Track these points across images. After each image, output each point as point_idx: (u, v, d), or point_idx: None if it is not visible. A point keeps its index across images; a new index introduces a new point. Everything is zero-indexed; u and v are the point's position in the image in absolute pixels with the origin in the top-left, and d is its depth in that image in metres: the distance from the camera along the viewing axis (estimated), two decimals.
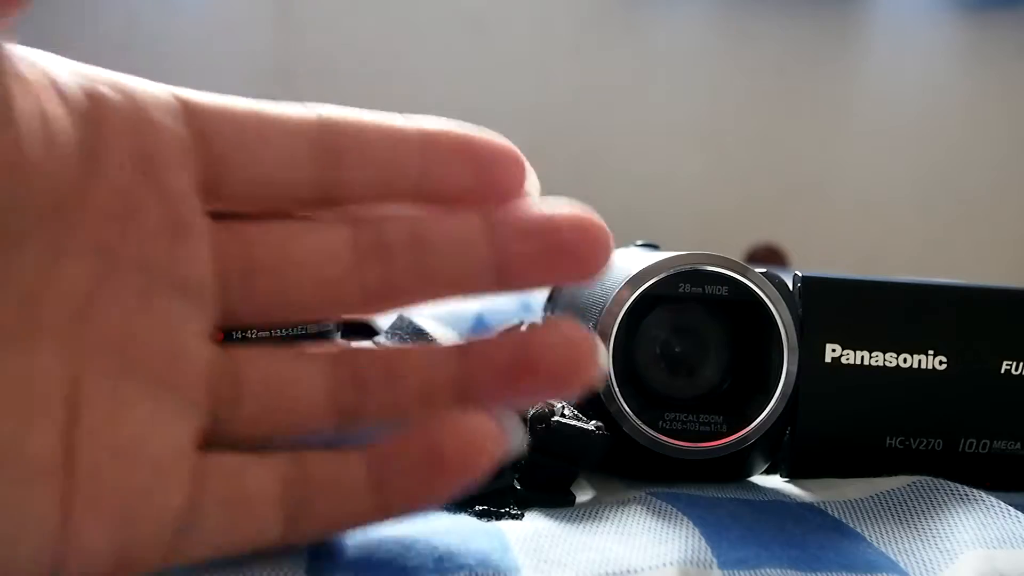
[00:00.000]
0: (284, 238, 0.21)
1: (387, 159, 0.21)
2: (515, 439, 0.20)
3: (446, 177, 0.22)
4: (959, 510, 0.25)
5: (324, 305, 0.22)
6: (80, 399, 0.19)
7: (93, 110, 0.19)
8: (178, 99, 0.20)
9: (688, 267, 0.27)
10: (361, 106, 0.22)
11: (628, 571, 0.21)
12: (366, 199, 0.22)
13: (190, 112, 0.20)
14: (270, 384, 0.21)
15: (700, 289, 0.27)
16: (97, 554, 0.18)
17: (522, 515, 0.24)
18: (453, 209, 0.22)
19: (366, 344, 0.24)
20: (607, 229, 0.21)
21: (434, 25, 1.26)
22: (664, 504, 0.25)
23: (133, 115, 0.20)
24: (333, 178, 0.21)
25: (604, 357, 0.21)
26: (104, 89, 0.19)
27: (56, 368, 0.18)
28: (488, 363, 0.21)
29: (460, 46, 1.27)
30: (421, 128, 0.22)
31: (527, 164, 0.22)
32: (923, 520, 0.25)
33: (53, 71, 0.19)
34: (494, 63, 1.28)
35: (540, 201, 0.22)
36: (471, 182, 0.22)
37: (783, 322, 0.27)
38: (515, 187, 0.22)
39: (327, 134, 0.21)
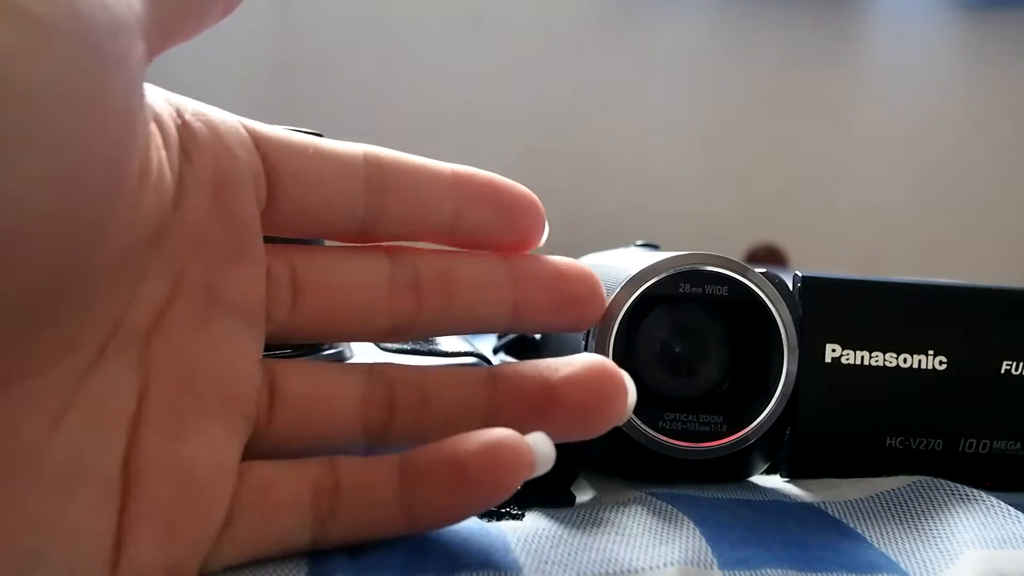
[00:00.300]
0: (328, 264, 0.22)
1: (425, 197, 0.23)
2: (544, 458, 0.20)
3: (475, 217, 0.23)
4: (959, 510, 0.25)
5: (356, 331, 0.23)
6: (141, 418, 0.19)
7: (185, 143, 0.20)
8: (247, 129, 0.21)
9: (688, 267, 0.27)
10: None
11: (628, 571, 0.21)
12: (403, 235, 0.23)
13: (257, 142, 0.21)
14: (306, 399, 0.22)
15: (700, 289, 0.27)
16: (144, 570, 0.19)
17: (522, 515, 0.24)
18: (478, 251, 0.24)
19: (401, 362, 0.25)
20: (602, 285, 0.24)
21: (434, 25, 1.26)
22: (664, 504, 0.25)
23: (214, 145, 0.20)
24: (376, 212, 0.22)
25: (633, 399, 0.22)
26: (191, 119, 0.20)
27: (127, 388, 0.19)
28: (516, 394, 0.22)
29: (460, 46, 1.27)
30: (454, 169, 0.23)
31: (544, 212, 0.24)
32: (923, 520, 0.25)
33: (156, 107, 0.19)
34: (494, 62, 1.28)
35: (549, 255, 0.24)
36: (496, 224, 0.23)
37: (783, 322, 0.27)
38: (534, 232, 0.24)
39: (373, 170, 0.22)
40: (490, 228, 0.23)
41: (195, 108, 0.21)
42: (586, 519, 0.24)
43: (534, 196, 0.24)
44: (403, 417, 0.22)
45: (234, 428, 0.20)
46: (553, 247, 0.24)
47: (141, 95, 0.18)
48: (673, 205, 1.30)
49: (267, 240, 0.21)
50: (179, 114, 0.20)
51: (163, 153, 0.19)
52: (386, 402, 0.22)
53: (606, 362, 0.22)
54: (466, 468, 0.20)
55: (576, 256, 0.36)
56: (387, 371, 0.23)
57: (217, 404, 0.20)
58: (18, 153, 0.15)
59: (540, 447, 0.20)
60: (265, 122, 0.22)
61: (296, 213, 0.22)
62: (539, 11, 1.29)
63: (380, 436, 0.22)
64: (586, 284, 0.24)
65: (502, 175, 0.24)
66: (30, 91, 0.15)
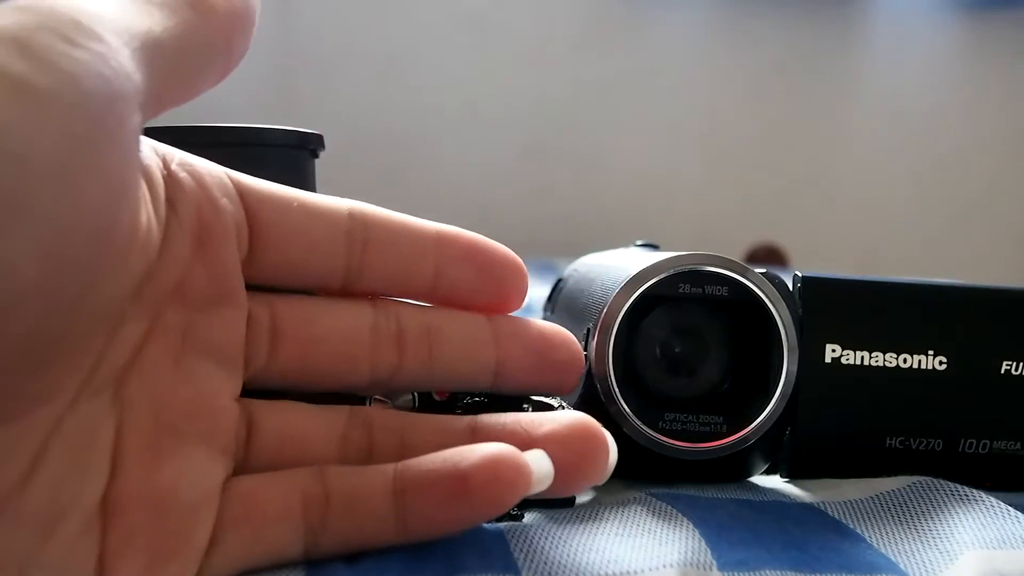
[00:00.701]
0: (310, 313, 0.23)
1: (407, 254, 0.23)
2: (543, 476, 0.20)
3: (456, 276, 0.23)
4: (959, 511, 0.25)
5: (335, 380, 0.23)
6: (120, 452, 0.19)
7: (171, 193, 0.20)
8: (232, 180, 0.22)
9: (688, 267, 0.27)
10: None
11: (628, 572, 0.21)
12: (384, 290, 0.23)
13: (241, 193, 0.22)
14: (283, 437, 0.22)
15: (700, 289, 0.27)
16: None
17: (522, 516, 0.24)
18: (462, 309, 0.24)
19: (386, 405, 0.25)
20: (582, 351, 0.24)
21: (434, 25, 1.26)
22: (664, 505, 0.25)
23: (198, 194, 0.21)
24: (358, 266, 0.23)
25: (614, 458, 0.22)
26: (176, 169, 0.20)
27: (105, 425, 0.19)
28: None
29: (460, 45, 1.27)
30: (438, 229, 0.23)
31: (527, 273, 0.24)
32: (923, 521, 0.25)
33: (144, 159, 0.20)
34: (494, 62, 1.28)
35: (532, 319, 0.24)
36: (476, 284, 0.24)
37: (783, 322, 0.27)
38: (514, 294, 0.24)
39: (357, 225, 0.23)
40: (470, 288, 0.24)
41: (181, 158, 0.21)
42: (586, 519, 0.24)
43: (517, 258, 0.24)
44: (380, 462, 0.22)
45: (213, 458, 0.20)
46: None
47: (136, 162, 0.18)
48: (673, 205, 1.30)
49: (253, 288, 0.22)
50: (165, 165, 0.20)
51: (151, 208, 0.19)
52: (364, 445, 0.22)
53: (589, 421, 0.22)
54: (467, 481, 0.20)
55: (576, 256, 0.36)
56: (368, 414, 0.23)
57: (195, 435, 0.20)
58: (12, 221, 0.15)
59: (538, 464, 0.20)
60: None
61: (278, 264, 0.22)
62: (539, 11, 1.29)
63: None
64: (569, 350, 0.24)
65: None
66: (28, 158, 0.15)
